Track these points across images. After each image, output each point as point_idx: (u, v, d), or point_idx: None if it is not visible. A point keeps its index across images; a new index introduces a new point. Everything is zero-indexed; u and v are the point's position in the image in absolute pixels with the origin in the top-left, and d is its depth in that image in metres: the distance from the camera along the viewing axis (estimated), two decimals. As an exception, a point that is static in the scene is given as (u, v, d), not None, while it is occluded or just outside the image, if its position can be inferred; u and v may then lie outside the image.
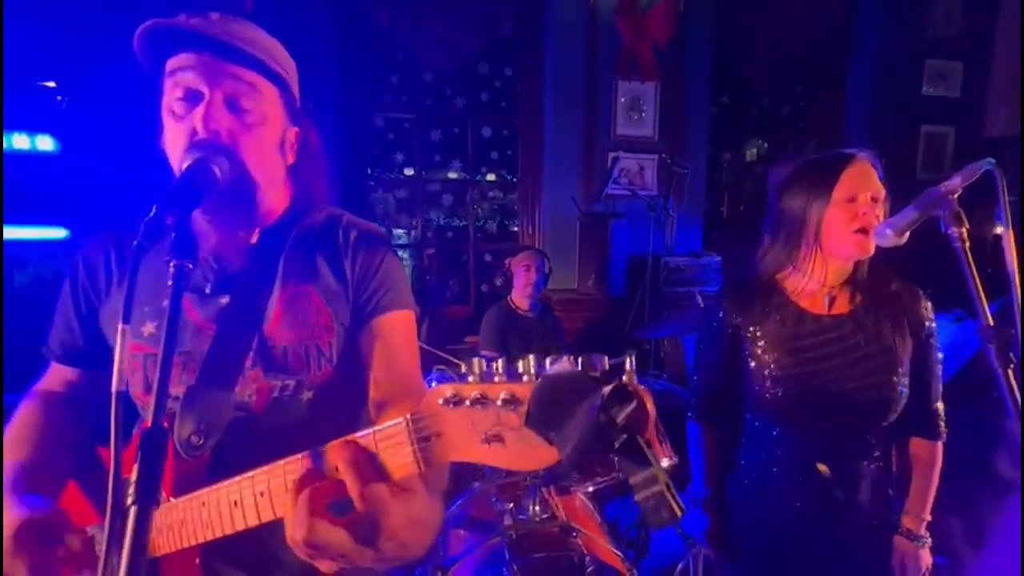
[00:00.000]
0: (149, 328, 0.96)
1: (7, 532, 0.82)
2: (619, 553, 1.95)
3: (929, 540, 1.40)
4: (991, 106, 4.48)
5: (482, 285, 4.32)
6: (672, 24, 3.89)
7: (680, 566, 2.38)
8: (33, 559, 0.81)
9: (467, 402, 0.55)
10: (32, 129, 2.69)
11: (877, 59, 4.36)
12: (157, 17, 0.87)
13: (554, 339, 3.21)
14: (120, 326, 0.60)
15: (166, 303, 0.66)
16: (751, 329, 1.40)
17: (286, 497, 0.64)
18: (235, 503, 0.72)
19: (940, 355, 1.44)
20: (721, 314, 1.45)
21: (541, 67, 4.06)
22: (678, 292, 3.89)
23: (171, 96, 0.90)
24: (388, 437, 0.61)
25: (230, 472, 0.74)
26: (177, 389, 0.91)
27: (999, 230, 1.07)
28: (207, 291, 0.97)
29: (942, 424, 1.43)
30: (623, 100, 3.98)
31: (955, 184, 1.06)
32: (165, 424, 0.86)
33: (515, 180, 4.32)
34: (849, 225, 1.29)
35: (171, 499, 0.81)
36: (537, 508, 2.02)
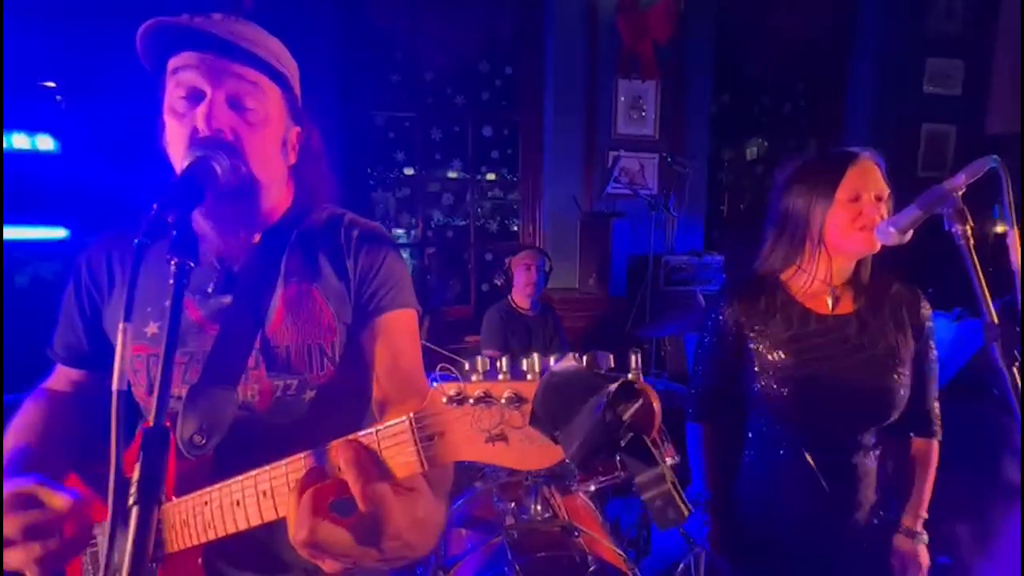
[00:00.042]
0: (152, 329, 0.96)
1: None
2: (621, 552, 1.95)
3: (926, 537, 1.41)
4: (992, 104, 4.47)
5: (483, 284, 4.31)
6: (673, 23, 3.89)
7: (681, 565, 2.38)
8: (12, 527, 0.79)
9: (471, 401, 0.54)
10: (32, 129, 2.69)
11: (878, 58, 4.36)
12: (159, 16, 0.87)
13: (555, 338, 3.21)
14: (120, 324, 0.60)
15: (169, 303, 0.66)
16: (756, 328, 1.40)
17: (288, 497, 0.64)
18: (237, 503, 0.72)
19: (935, 354, 1.44)
20: (724, 313, 1.44)
21: (542, 66, 4.05)
22: (679, 291, 3.88)
23: (173, 95, 0.90)
24: (391, 436, 0.61)
25: (233, 472, 0.74)
26: (180, 389, 0.91)
27: (1000, 229, 1.07)
28: (210, 291, 0.97)
29: (938, 423, 1.44)
30: (624, 99, 3.97)
31: (959, 182, 1.05)
32: (168, 424, 0.86)
33: (516, 179, 4.32)
34: (853, 224, 1.29)
35: (173, 498, 0.80)
36: (539, 507, 2.02)
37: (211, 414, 0.88)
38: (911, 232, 1.20)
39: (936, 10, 4.32)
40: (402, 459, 0.60)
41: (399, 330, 0.99)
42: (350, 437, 0.63)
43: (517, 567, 1.75)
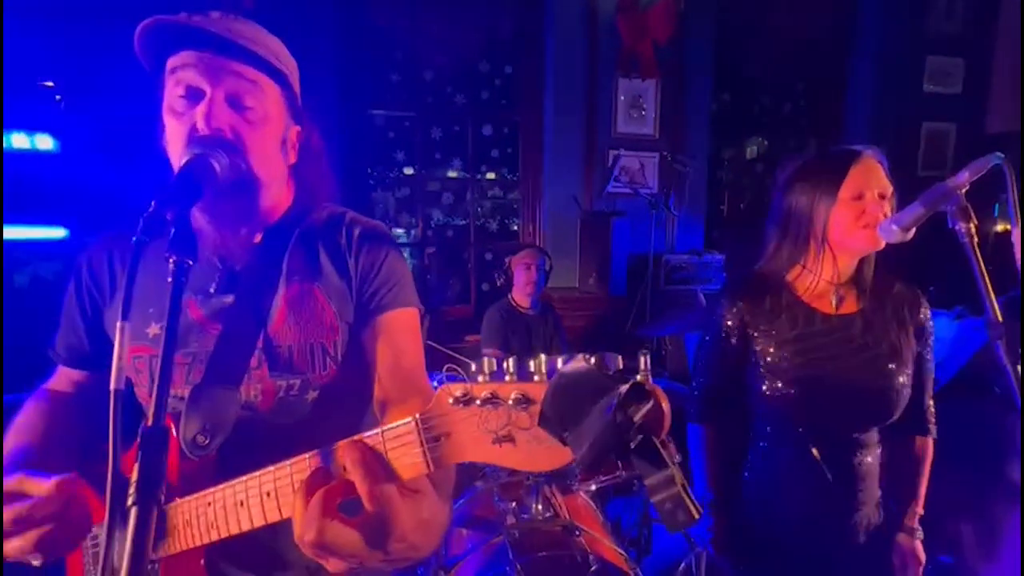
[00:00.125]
0: (154, 329, 0.95)
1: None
2: (622, 552, 1.94)
3: (922, 533, 1.43)
4: (992, 103, 4.47)
5: (483, 284, 4.31)
6: (673, 22, 3.88)
7: (683, 565, 2.38)
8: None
9: (477, 402, 0.54)
10: (31, 128, 2.68)
11: (878, 56, 4.35)
12: (157, 15, 0.86)
13: (555, 337, 3.21)
14: (119, 323, 0.59)
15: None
16: (761, 328, 1.39)
17: (293, 498, 0.64)
18: (241, 503, 0.71)
19: (932, 354, 1.46)
20: (728, 313, 1.43)
21: (542, 65, 4.05)
22: (679, 290, 3.89)
23: (172, 94, 0.90)
24: (397, 437, 0.60)
25: (236, 472, 0.73)
26: (183, 389, 0.91)
27: (1000, 227, 1.07)
28: (212, 290, 0.96)
29: (933, 420, 1.46)
30: (624, 98, 3.97)
31: (963, 179, 1.05)
32: (170, 424, 0.86)
33: (516, 178, 4.31)
34: (857, 222, 1.29)
35: (176, 499, 0.80)
36: (540, 507, 2.02)
37: (214, 414, 0.87)
38: (914, 230, 1.19)
39: (936, 9, 4.32)
40: (408, 460, 0.60)
41: (400, 329, 0.99)
42: (355, 438, 0.63)
43: (518, 567, 1.74)
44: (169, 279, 0.66)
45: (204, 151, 0.83)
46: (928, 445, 1.46)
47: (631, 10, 3.81)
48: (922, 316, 1.41)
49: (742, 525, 1.47)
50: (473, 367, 0.55)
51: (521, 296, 3.14)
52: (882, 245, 1.29)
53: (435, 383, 1.74)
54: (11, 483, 0.81)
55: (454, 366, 0.54)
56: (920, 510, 1.44)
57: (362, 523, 0.59)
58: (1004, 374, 0.99)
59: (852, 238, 1.31)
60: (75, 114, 2.80)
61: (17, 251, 2.67)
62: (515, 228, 4.39)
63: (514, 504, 2.07)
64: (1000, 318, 1.00)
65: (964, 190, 1.06)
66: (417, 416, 0.59)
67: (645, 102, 4.00)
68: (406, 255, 4.24)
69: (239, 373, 0.92)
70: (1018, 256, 1.03)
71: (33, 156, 2.68)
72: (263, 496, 0.69)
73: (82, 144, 2.76)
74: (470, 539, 2.01)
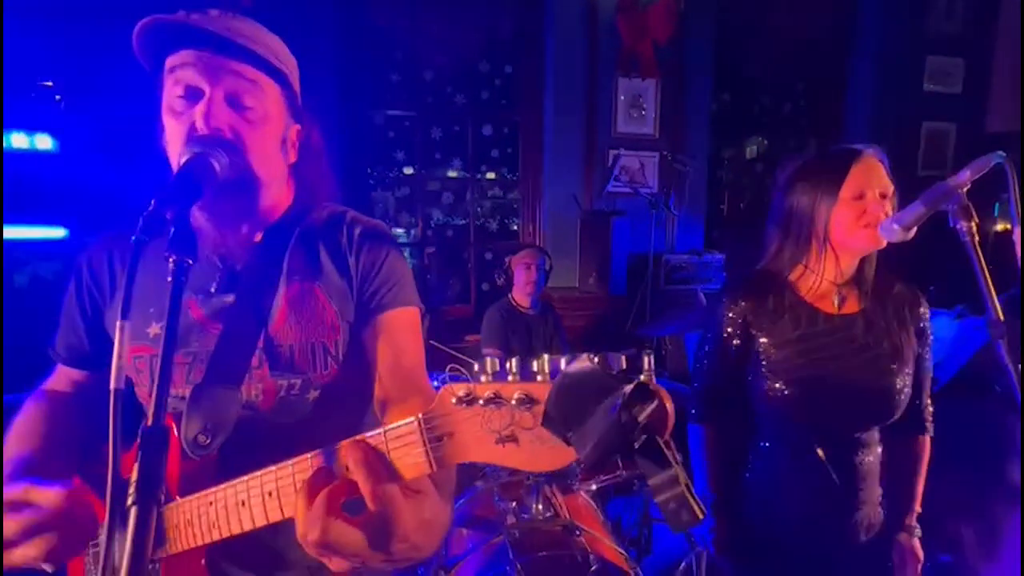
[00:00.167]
0: (155, 329, 0.95)
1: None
2: (622, 552, 1.94)
3: (920, 531, 1.44)
4: (992, 103, 4.47)
5: (483, 284, 4.31)
6: (673, 22, 3.88)
7: (683, 564, 2.38)
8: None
9: (480, 401, 0.54)
10: (31, 128, 2.68)
11: (878, 56, 4.35)
12: (156, 14, 0.86)
13: (555, 337, 3.21)
14: (119, 322, 0.59)
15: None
16: (763, 328, 1.39)
17: (296, 497, 0.63)
18: (243, 503, 0.71)
19: (930, 353, 1.46)
20: (731, 312, 1.42)
21: (542, 65, 4.05)
22: (679, 290, 3.89)
23: (171, 94, 0.89)
24: (399, 436, 0.60)
25: (237, 472, 0.73)
26: (184, 389, 0.91)
27: (999, 226, 1.07)
28: (212, 290, 0.96)
29: (930, 419, 1.47)
30: (624, 98, 3.97)
31: (964, 178, 1.05)
32: (171, 423, 0.86)
33: (515, 178, 4.31)
34: (858, 221, 1.28)
35: (177, 498, 0.80)
36: (540, 507, 2.01)
37: (215, 414, 0.87)
38: (915, 229, 1.19)
39: (936, 9, 4.32)
40: (410, 460, 0.60)
41: (401, 328, 0.98)
42: (358, 438, 0.62)
43: (518, 566, 1.74)
44: (169, 279, 0.66)
45: (203, 150, 0.82)
46: (926, 443, 1.47)
47: (631, 10, 3.81)
48: (922, 316, 1.42)
49: (743, 524, 1.46)
50: (476, 367, 0.55)
51: (521, 296, 3.14)
52: (884, 244, 1.29)
53: (435, 383, 1.74)
54: (17, 493, 0.81)
55: (457, 366, 0.54)
56: (918, 508, 1.44)
57: (365, 522, 0.59)
58: (1006, 373, 0.99)
59: (854, 238, 1.31)
60: (75, 114, 2.80)
61: (17, 251, 2.67)
62: (515, 228, 4.39)
63: (514, 504, 2.07)
64: (1002, 317, 1.00)
65: (966, 189, 1.06)
66: (420, 416, 0.58)
67: (645, 102, 4.00)
68: (406, 255, 4.25)
69: (240, 373, 0.92)
70: (1019, 255, 1.02)
71: (33, 156, 2.68)
72: (265, 496, 0.69)
73: (82, 144, 2.76)
74: (470, 539, 2.01)
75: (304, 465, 0.66)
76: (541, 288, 3.16)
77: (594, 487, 2.28)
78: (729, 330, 1.42)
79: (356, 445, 0.61)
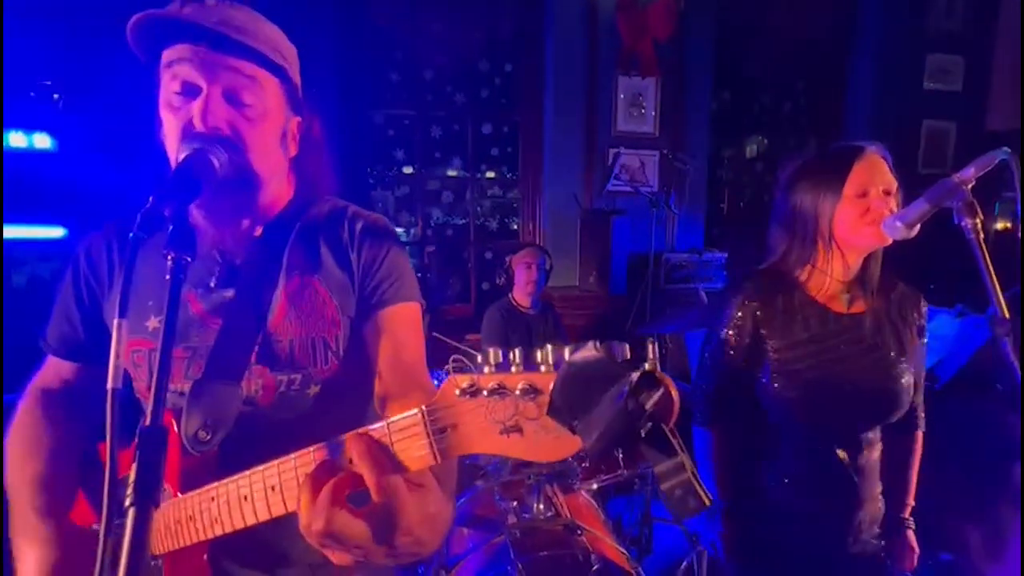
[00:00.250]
0: (154, 323, 0.94)
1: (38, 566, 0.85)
2: (623, 551, 1.94)
3: (913, 523, 1.48)
4: (992, 101, 4.47)
5: (483, 283, 4.30)
6: (673, 20, 3.88)
7: (684, 564, 2.38)
8: None
9: (484, 392, 0.53)
10: (29, 127, 2.67)
11: (878, 55, 4.35)
12: (153, 9, 0.85)
13: (555, 336, 3.20)
14: (116, 320, 0.58)
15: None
16: (774, 328, 1.36)
17: (297, 491, 0.63)
18: (245, 497, 0.71)
19: (925, 351, 1.48)
20: (740, 312, 1.39)
21: (541, 64, 4.04)
22: (680, 289, 3.88)
23: (168, 89, 0.88)
24: (403, 429, 0.60)
25: (237, 467, 0.73)
26: (183, 384, 0.90)
27: (1000, 224, 1.06)
28: (212, 284, 0.95)
29: (923, 414, 1.50)
30: (624, 96, 3.96)
31: (968, 175, 1.04)
32: (172, 419, 0.85)
33: (515, 177, 4.30)
34: (862, 219, 1.27)
35: (178, 494, 0.79)
36: (541, 506, 2.01)
37: (215, 409, 0.87)
38: (918, 227, 1.19)
39: (936, 7, 4.32)
40: (415, 452, 0.59)
41: (402, 323, 0.98)
42: (361, 430, 0.62)
43: (519, 566, 1.74)
44: (167, 276, 0.65)
45: (202, 146, 0.81)
46: (918, 439, 1.50)
47: (631, 8, 3.80)
48: (923, 315, 1.43)
49: (753, 528, 1.45)
50: (479, 358, 0.55)
51: (521, 295, 3.13)
52: (888, 242, 1.28)
53: (435, 381, 1.73)
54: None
55: (460, 357, 0.54)
56: (911, 501, 1.48)
57: (369, 514, 0.59)
58: (1011, 370, 0.98)
59: (858, 235, 1.29)
60: (73, 113, 2.80)
61: (15, 250, 2.66)
62: (515, 227, 4.38)
63: (515, 503, 2.07)
64: (1007, 315, 1.00)
65: (970, 186, 1.05)
66: (423, 407, 0.58)
67: (645, 100, 3.99)
68: (406, 254, 4.24)
69: (240, 368, 0.91)
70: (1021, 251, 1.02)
71: (31, 155, 2.67)
72: (268, 490, 0.68)
73: (80, 143, 2.75)
74: (471, 538, 2.01)
75: (307, 459, 0.66)
76: (542, 287, 3.16)
77: (595, 486, 2.27)
78: (737, 330, 1.39)
79: (360, 437, 0.61)
